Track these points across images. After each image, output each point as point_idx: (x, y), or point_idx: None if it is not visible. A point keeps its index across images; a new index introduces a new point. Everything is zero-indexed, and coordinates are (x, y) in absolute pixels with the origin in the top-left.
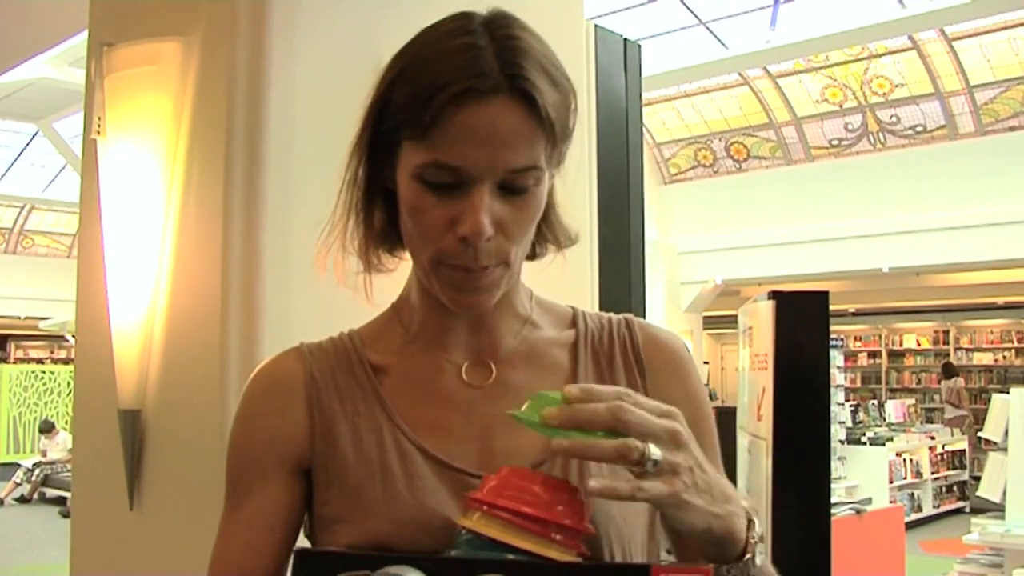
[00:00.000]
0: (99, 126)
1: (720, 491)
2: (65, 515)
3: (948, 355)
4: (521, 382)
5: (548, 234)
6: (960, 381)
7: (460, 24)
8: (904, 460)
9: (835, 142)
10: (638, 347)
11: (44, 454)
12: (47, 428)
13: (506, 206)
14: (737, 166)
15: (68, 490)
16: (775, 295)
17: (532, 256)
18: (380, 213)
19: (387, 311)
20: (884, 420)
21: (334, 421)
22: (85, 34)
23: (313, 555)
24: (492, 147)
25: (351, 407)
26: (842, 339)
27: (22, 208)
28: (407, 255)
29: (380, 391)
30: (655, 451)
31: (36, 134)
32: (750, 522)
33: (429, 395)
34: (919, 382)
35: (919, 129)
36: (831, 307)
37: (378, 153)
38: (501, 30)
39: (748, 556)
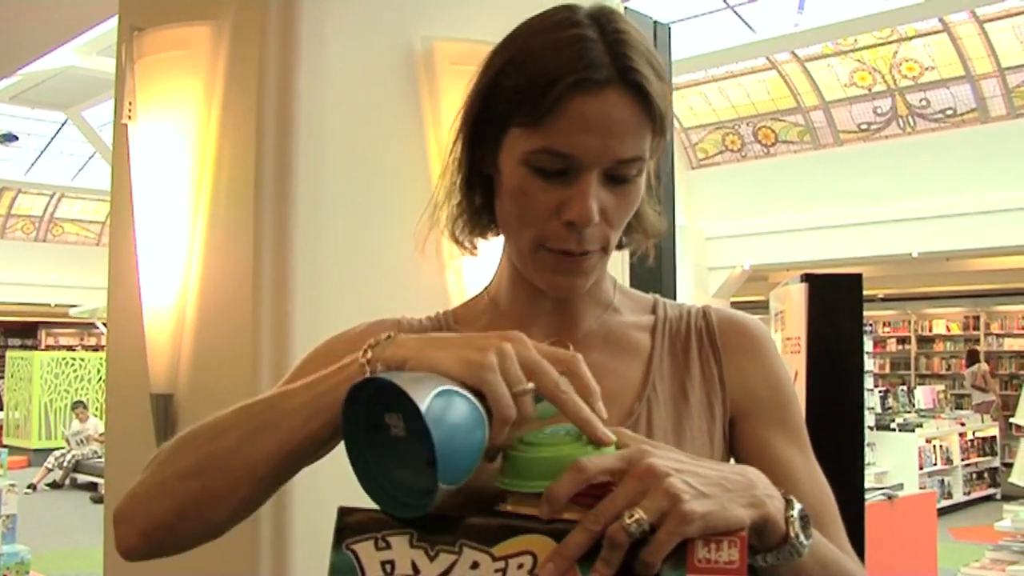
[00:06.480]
0: (130, 111)
1: (735, 480)
2: (96, 500)
3: (978, 341)
4: (598, 362)
5: (637, 225)
6: (984, 366)
7: (567, 16)
8: (934, 446)
9: (864, 126)
10: (714, 334)
11: (76, 435)
12: (79, 407)
13: (610, 195)
14: (765, 151)
15: (99, 476)
16: (808, 278)
17: (620, 246)
18: (478, 197)
19: (481, 293)
20: (913, 406)
21: None
22: (113, 22)
23: (356, 512)
24: (604, 137)
25: None
26: (871, 325)
27: (51, 196)
28: (492, 238)
29: None
30: (633, 518)
31: (65, 123)
32: (788, 502)
33: None
34: (949, 368)
35: (949, 112)
36: None
37: (481, 138)
38: (609, 24)
39: (792, 537)
